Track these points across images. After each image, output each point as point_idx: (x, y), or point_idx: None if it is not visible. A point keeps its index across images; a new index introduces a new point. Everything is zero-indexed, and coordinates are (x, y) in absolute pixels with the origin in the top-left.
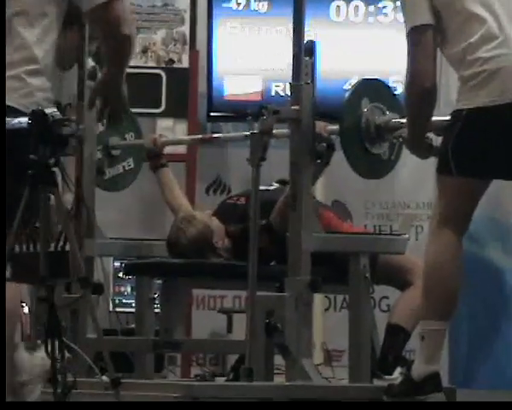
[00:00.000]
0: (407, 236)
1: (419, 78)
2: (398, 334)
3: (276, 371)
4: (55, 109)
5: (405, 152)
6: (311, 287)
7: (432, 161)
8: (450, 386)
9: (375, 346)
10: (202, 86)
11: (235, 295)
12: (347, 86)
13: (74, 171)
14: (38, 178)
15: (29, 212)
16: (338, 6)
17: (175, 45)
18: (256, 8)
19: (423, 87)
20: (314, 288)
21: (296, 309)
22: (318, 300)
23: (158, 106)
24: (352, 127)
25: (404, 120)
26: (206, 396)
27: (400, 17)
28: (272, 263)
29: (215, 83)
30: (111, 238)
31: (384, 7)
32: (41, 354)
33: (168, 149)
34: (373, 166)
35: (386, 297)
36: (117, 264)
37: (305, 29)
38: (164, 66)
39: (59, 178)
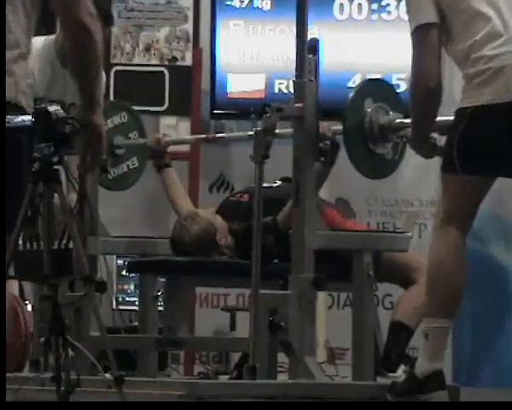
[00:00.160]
0: (410, 234)
1: (424, 77)
2: (401, 332)
3: (279, 369)
4: (59, 107)
5: (409, 150)
6: (315, 285)
7: (435, 159)
8: (453, 384)
9: (379, 344)
10: (205, 84)
11: (238, 293)
12: (351, 84)
13: (77, 169)
14: (41, 176)
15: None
16: (341, 4)
17: (178, 43)
18: (259, 6)
19: (428, 87)
20: (318, 286)
21: (300, 307)
22: (322, 298)
23: (161, 104)
24: (355, 127)
25: (407, 120)
26: (210, 394)
27: (403, 15)
28: (275, 261)
29: (218, 80)
30: (114, 236)
31: (387, 5)
32: None
33: (171, 148)
34: (376, 167)
35: (390, 295)
36: (120, 262)
37: (309, 27)
38: (167, 64)
39: (63, 177)
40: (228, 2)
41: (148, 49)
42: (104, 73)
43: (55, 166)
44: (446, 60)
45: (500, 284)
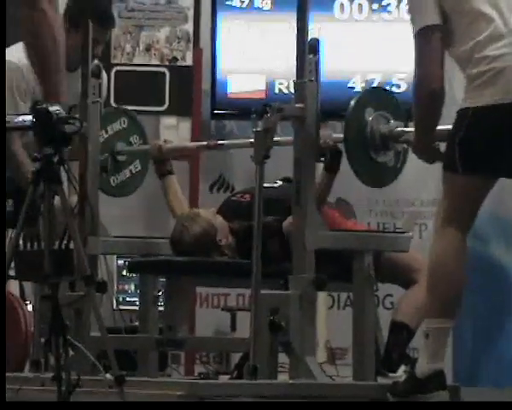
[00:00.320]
0: (411, 234)
1: (427, 79)
2: (402, 332)
3: (279, 370)
4: (59, 107)
5: (410, 151)
6: (316, 285)
7: None
8: (454, 384)
9: (379, 344)
10: (206, 84)
11: (238, 293)
12: (351, 84)
13: (78, 169)
14: (42, 176)
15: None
16: (342, 3)
17: (179, 43)
18: (260, 6)
19: (431, 89)
20: (318, 286)
21: (300, 307)
22: (322, 298)
23: (161, 104)
24: (356, 137)
25: (408, 129)
26: (210, 394)
27: (404, 15)
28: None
29: (219, 81)
30: (115, 236)
31: (388, 4)
32: None
33: None
34: (378, 175)
35: (391, 295)
36: (121, 262)
37: (309, 27)
38: (167, 64)
39: (64, 179)
40: (228, 2)
41: (148, 49)
42: (105, 73)
43: (56, 166)
44: (447, 61)
45: (500, 283)
